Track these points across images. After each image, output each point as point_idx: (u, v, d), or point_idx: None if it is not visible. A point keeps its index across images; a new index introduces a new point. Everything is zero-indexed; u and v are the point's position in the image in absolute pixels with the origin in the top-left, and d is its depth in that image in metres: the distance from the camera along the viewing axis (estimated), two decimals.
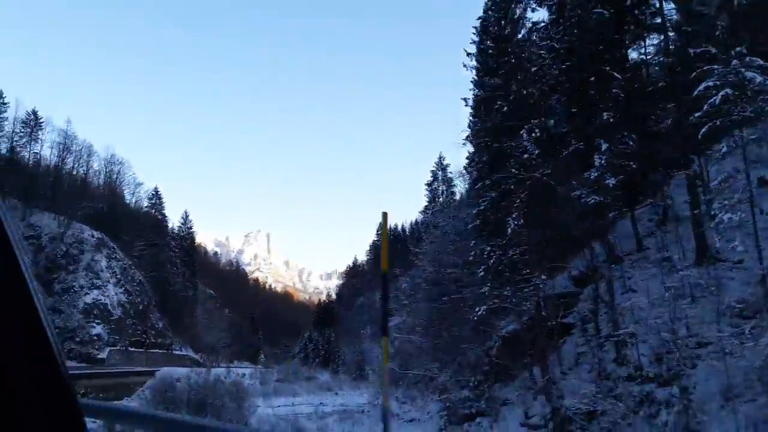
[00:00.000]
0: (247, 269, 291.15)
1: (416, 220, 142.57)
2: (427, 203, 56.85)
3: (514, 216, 20.94)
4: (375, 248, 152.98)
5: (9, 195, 58.75)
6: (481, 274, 21.79)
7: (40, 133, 62.74)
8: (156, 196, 69.76)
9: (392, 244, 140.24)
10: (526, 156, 21.16)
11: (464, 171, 32.20)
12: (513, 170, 21.03)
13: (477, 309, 22.36)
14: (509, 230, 20.97)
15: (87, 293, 54.30)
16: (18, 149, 61.40)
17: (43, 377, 0.77)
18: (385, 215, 8.61)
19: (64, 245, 57.02)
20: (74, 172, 62.70)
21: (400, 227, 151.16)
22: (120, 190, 65.61)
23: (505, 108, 22.53)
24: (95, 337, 52.07)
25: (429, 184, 55.86)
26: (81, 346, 51.10)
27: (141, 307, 59.78)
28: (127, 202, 67.44)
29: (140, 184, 70.99)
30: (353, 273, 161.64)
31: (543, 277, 21.39)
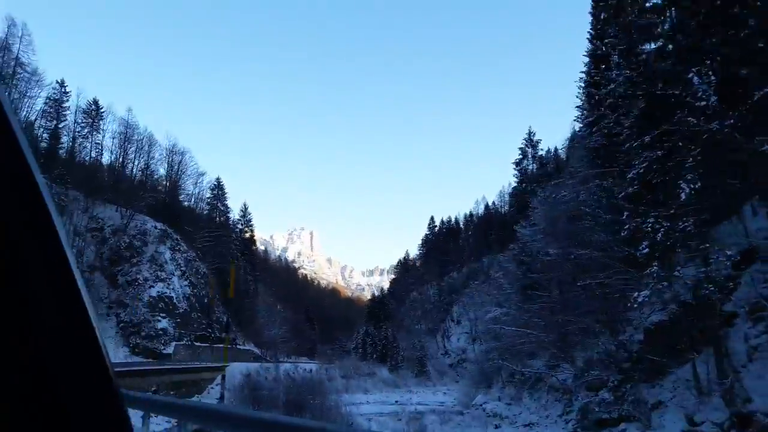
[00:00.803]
0: (293, 266, 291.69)
1: (470, 213, 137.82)
2: (516, 183, 52.31)
3: (688, 178, 17.02)
4: (426, 243, 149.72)
5: (72, 187, 57.62)
6: (645, 251, 17.86)
7: (101, 123, 61.51)
8: (218, 187, 67.82)
9: (445, 237, 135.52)
10: (700, 104, 17.21)
11: (581, 134, 28.24)
12: (683, 123, 17.09)
13: (635, 294, 18.44)
14: (683, 196, 17.05)
15: (152, 286, 52.42)
16: (80, 140, 60.22)
17: (89, 372, 0.77)
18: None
19: (127, 237, 55.38)
20: (136, 162, 61.22)
21: (453, 220, 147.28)
22: (182, 181, 63.94)
23: (670, 47, 18.56)
24: (161, 332, 50.05)
25: (517, 163, 51.04)
26: (147, 341, 49.18)
27: (206, 300, 57.75)
28: (189, 192, 65.97)
29: (203, 174, 69.10)
30: (405, 268, 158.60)
31: (728, 252, 17.45)
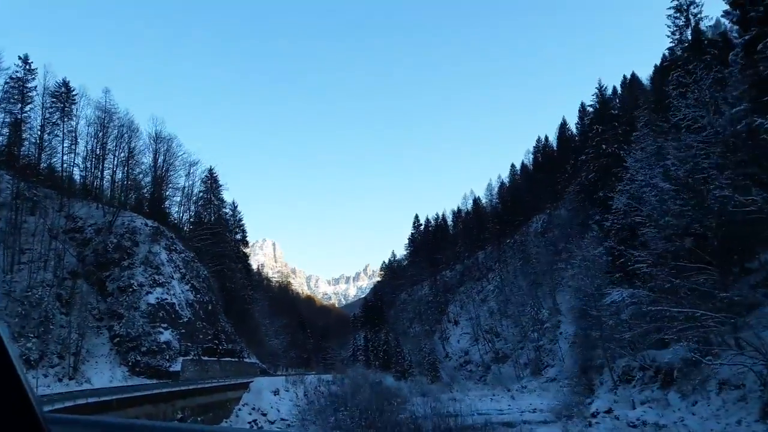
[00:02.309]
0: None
1: (458, 208, 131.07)
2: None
3: None
4: (413, 242, 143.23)
5: (41, 184, 48.94)
6: None
7: (74, 108, 52.66)
8: (211, 178, 59.35)
9: (434, 235, 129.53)
10: None
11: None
12: None
13: None
14: None
15: (149, 292, 44.14)
16: (49, 127, 51.29)
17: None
18: None
19: (114, 236, 46.90)
20: (117, 152, 52.45)
21: (440, 217, 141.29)
22: (171, 172, 55.36)
23: None
24: (164, 345, 41.88)
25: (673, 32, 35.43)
26: (149, 357, 40.94)
27: (210, 308, 49.60)
28: (180, 186, 57.26)
29: (195, 163, 59.92)
30: (392, 270, 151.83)
31: None
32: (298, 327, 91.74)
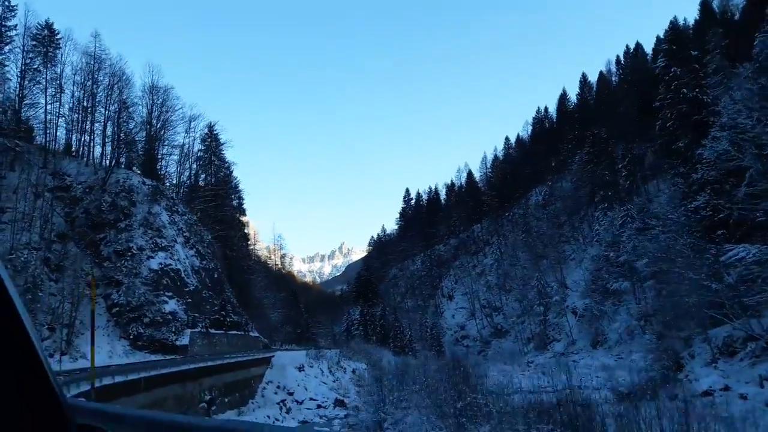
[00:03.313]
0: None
1: (452, 182, 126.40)
2: None
3: None
4: (404, 217, 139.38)
5: (24, 138, 43.54)
6: None
7: (58, 53, 46.75)
8: (211, 136, 53.74)
9: (428, 209, 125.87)
10: None
11: None
12: None
13: None
14: None
15: (151, 257, 39.31)
16: (30, 74, 45.36)
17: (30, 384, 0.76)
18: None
19: (108, 195, 41.71)
20: (107, 105, 46.76)
21: (433, 190, 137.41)
22: (168, 127, 49.64)
23: None
24: (169, 316, 37.26)
25: None
26: (153, 329, 36.33)
27: (216, 276, 44.92)
28: (179, 143, 51.46)
29: (196, 118, 53.16)
30: (381, 245, 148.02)
31: None
32: (292, 302, 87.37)
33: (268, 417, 26.18)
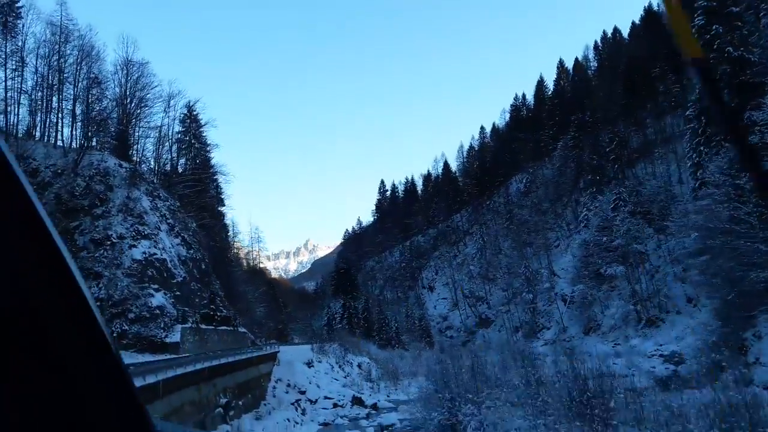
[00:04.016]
0: None
1: (428, 172, 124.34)
2: None
3: None
4: (380, 209, 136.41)
5: None
6: None
7: (19, 22, 41.92)
8: (189, 117, 49.21)
9: (405, 200, 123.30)
10: None
11: None
12: None
13: None
14: None
15: (133, 246, 35.27)
16: None
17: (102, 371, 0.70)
18: None
19: (81, 179, 37.44)
20: (77, 81, 42.18)
21: (409, 181, 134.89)
22: (144, 106, 45.16)
23: None
24: (157, 311, 33.41)
25: None
26: (140, 326, 32.43)
27: (203, 267, 41.08)
28: (158, 124, 46.84)
29: (175, 95, 48.43)
30: (356, 238, 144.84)
31: None
32: (271, 297, 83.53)
33: (288, 420, 23.05)
